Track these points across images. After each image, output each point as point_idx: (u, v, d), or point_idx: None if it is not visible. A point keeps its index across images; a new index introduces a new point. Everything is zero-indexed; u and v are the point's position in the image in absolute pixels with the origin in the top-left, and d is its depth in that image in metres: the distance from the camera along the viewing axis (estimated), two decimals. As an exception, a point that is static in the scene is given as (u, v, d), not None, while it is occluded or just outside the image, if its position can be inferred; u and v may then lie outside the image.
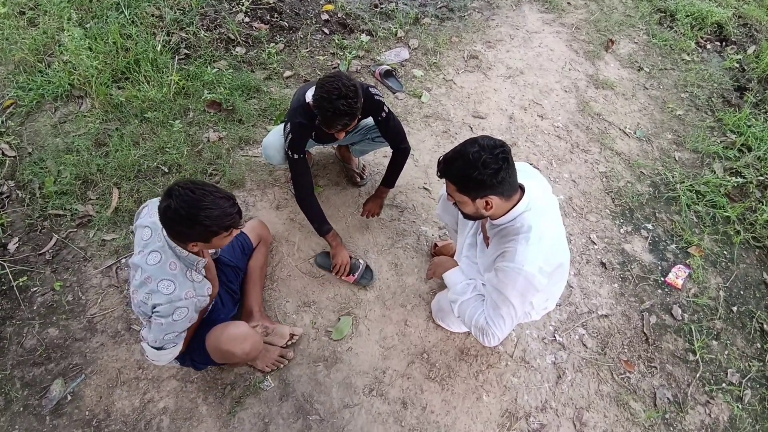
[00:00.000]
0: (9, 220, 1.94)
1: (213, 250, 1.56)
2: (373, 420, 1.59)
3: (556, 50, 3.14)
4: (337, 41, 2.87)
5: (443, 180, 1.23)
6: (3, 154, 2.13)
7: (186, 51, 2.62)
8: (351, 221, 2.10)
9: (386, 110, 1.73)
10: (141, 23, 2.61)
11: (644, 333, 1.94)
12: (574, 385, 1.76)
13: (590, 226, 2.24)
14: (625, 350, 1.88)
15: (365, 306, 1.85)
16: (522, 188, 1.25)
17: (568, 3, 3.55)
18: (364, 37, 2.92)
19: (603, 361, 1.83)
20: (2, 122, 2.23)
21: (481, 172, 1.12)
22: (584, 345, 1.86)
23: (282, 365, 1.65)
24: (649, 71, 3.16)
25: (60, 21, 2.59)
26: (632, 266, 2.14)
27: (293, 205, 2.10)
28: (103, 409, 1.53)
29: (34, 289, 1.77)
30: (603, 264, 2.11)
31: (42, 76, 2.38)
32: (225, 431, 1.52)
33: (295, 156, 1.66)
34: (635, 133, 2.73)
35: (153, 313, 1.26)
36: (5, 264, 1.80)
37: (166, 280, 1.25)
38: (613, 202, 2.37)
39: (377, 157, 2.34)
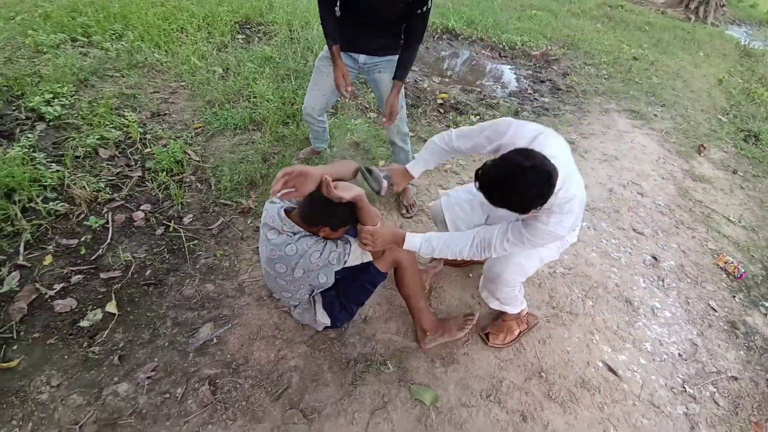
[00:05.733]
0: (188, 201, 2.38)
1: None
2: (492, 425, 1.54)
3: (648, 147, 3.44)
4: (451, 117, 3.43)
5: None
6: (190, 157, 2.71)
7: (333, 110, 3.29)
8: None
9: (429, 5, 1.76)
10: (303, 87, 3.38)
11: (781, 409, 1.76)
12: (711, 445, 1.59)
13: (708, 294, 2.21)
14: (755, 412, 1.72)
15: (483, 317, 1.91)
16: None
17: (655, 114, 3.96)
18: (473, 117, 3.46)
19: (735, 421, 1.66)
20: (192, 137, 2.88)
21: (536, 204, 1.18)
22: (716, 403, 1.71)
23: (471, 323, 1.76)
24: (743, 175, 3.30)
25: (246, 80, 3.45)
26: (755, 337, 2.02)
27: (407, 226, 2.35)
28: (242, 356, 1.66)
29: (200, 252, 2.09)
30: (726, 330, 2.02)
31: (227, 112, 3.09)
32: (348, 399, 1.56)
33: None
34: (740, 221, 2.77)
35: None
36: (181, 229, 2.18)
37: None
38: (728, 277, 2.34)
39: (425, 201, 2.54)
